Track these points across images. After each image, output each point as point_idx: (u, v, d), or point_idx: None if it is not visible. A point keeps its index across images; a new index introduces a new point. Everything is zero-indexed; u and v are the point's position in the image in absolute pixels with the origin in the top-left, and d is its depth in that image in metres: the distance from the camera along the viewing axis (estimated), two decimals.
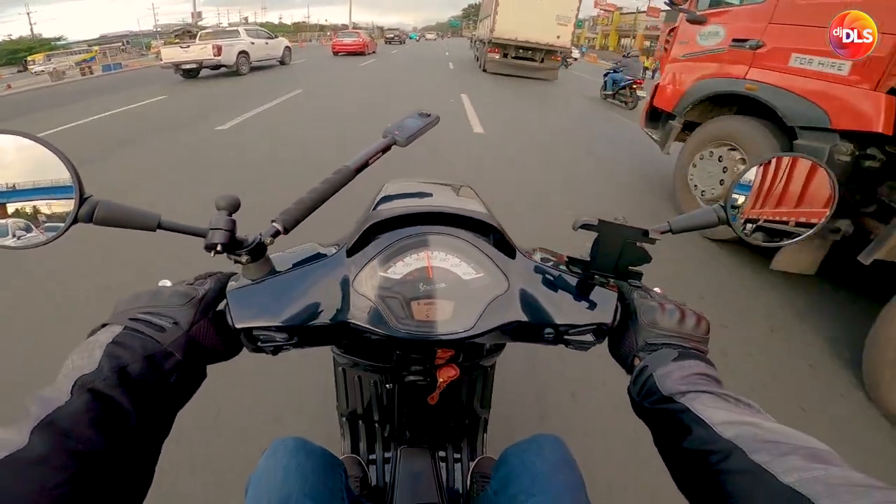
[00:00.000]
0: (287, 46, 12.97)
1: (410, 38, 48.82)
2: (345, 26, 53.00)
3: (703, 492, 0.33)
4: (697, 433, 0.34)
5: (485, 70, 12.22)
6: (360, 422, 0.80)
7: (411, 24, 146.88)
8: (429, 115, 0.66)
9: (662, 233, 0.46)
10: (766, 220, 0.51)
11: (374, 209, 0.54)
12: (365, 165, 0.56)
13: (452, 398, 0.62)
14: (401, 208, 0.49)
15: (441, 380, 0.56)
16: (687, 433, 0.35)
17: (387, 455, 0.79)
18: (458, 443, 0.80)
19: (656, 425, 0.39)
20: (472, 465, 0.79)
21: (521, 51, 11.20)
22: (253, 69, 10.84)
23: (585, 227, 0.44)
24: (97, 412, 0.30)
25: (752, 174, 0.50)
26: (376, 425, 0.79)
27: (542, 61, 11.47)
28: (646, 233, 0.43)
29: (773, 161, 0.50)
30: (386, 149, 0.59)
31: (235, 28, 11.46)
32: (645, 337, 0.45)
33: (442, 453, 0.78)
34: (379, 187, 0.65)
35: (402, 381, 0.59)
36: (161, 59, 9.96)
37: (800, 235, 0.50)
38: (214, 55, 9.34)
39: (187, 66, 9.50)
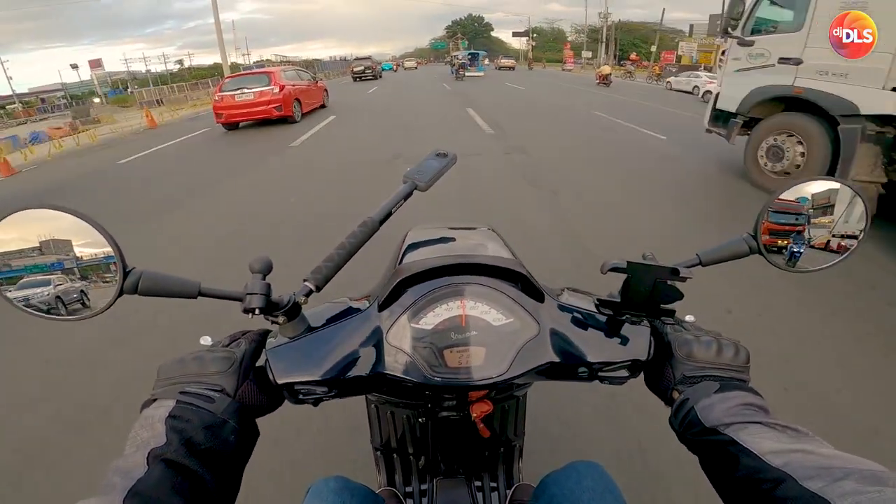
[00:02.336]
0: None
1: (384, 68, 44.58)
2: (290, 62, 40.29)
3: None
4: (745, 463, 0.36)
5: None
6: (395, 455, 0.83)
7: (389, 52, 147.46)
8: (446, 155, 0.70)
9: (691, 267, 0.48)
10: (797, 247, 0.51)
11: (401, 260, 0.60)
12: (388, 215, 0.58)
13: (487, 428, 0.64)
14: (428, 260, 0.51)
15: (475, 415, 0.57)
16: (734, 463, 0.37)
17: (423, 487, 0.82)
18: (493, 471, 0.83)
19: (702, 456, 0.42)
20: (510, 493, 0.80)
21: None
22: None
23: (614, 269, 0.45)
24: (175, 480, 0.35)
25: (779, 201, 0.51)
26: (411, 458, 0.81)
27: None
28: (676, 271, 0.43)
29: (800, 186, 0.50)
30: (408, 195, 0.62)
31: None
32: (682, 370, 0.46)
33: (478, 483, 0.80)
34: (402, 235, 0.70)
35: (435, 416, 0.61)
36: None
37: (834, 260, 0.51)
38: None
39: None
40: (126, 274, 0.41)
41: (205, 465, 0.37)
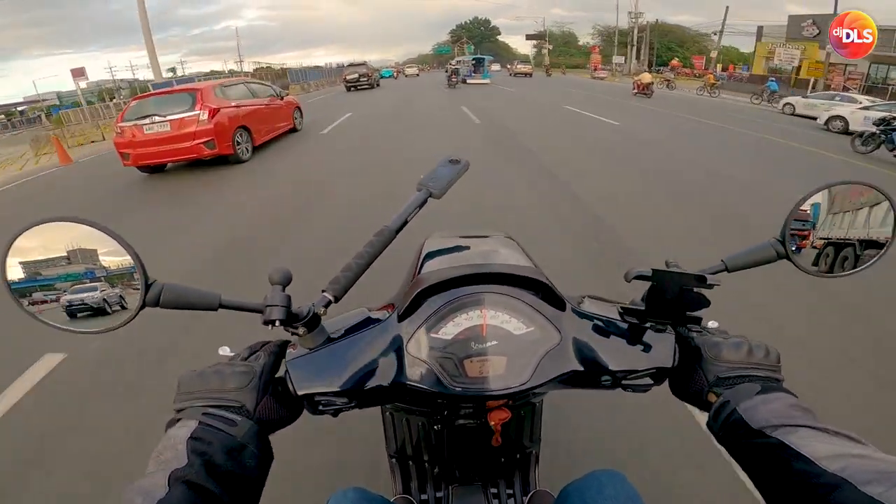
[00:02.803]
0: None
1: (383, 75, 41.17)
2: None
3: None
4: (798, 468, 0.35)
5: None
6: (410, 462, 0.83)
7: (393, 59, 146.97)
8: (458, 161, 0.73)
9: (717, 273, 0.49)
10: (826, 252, 0.52)
11: (420, 270, 0.64)
12: (404, 224, 0.61)
13: (502, 435, 0.63)
14: (448, 270, 0.52)
15: (493, 423, 0.57)
16: (786, 468, 0.36)
17: (438, 495, 0.81)
18: (510, 478, 0.82)
19: (747, 459, 0.41)
20: (526, 500, 0.79)
21: None
22: None
23: (639, 277, 0.45)
24: (194, 501, 0.36)
25: (807, 206, 0.52)
26: (426, 465, 0.80)
27: None
28: (703, 279, 0.43)
29: (829, 190, 0.51)
30: (423, 203, 0.64)
31: None
32: (715, 372, 0.47)
33: (494, 490, 0.80)
34: (420, 244, 0.75)
35: (452, 424, 0.63)
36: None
37: (864, 265, 0.52)
38: None
39: None
40: (148, 287, 0.42)
41: (224, 487, 0.38)
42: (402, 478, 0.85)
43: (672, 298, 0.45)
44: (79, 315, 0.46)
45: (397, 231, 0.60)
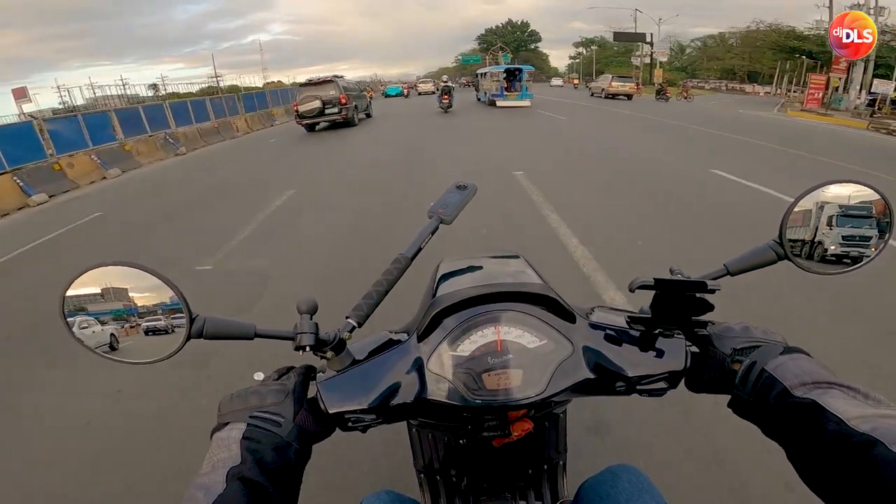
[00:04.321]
0: None
1: (389, 93, 36.49)
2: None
3: (839, 487, 0.36)
4: (831, 428, 0.37)
5: None
6: (438, 476, 0.85)
7: (414, 73, 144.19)
8: (466, 187, 0.80)
9: (717, 278, 0.53)
10: (824, 249, 0.55)
11: (436, 292, 0.70)
12: (419, 251, 0.69)
13: (528, 446, 0.70)
14: (462, 291, 0.57)
15: (515, 433, 0.61)
16: (818, 429, 0.38)
17: None
18: (538, 489, 0.84)
19: (778, 423, 0.43)
20: None
21: None
22: None
23: (643, 287, 0.48)
24: (249, 496, 0.40)
25: (802, 206, 0.54)
26: (453, 479, 0.83)
27: None
28: (704, 285, 0.47)
29: (823, 189, 0.54)
30: (434, 230, 0.72)
31: None
32: (731, 345, 0.51)
33: (523, 501, 0.82)
34: (434, 267, 0.81)
35: (476, 437, 0.66)
36: None
37: (863, 262, 0.55)
38: None
39: None
40: (192, 321, 0.48)
41: (272, 482, 0.43)
42: (430, 492, 0.88)
43: (676, 305, 0.49)
44: (132, 346, 0.52)
45: (412, 258, 0.68)
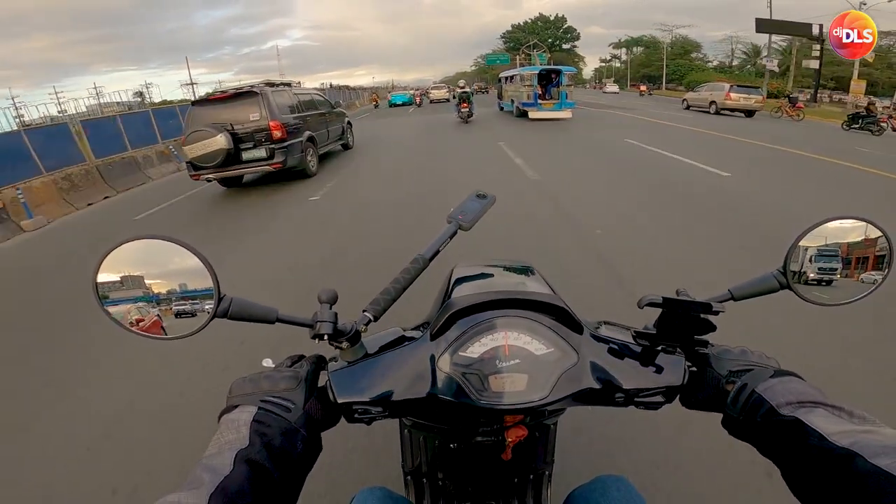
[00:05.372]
0: None
1: (395, 101, 31.85)
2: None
3: (826, 500, 0.39)
4: (813, 443, 0.40)
5: None
6: (425, 479, 0.90)
7: (430, 78, 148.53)
8: (486, 196, 0.82)
9: (722, 301, 0.55)
10: (825, 281, 0.60)
11: (450, 294, 0.74)
12: (436, 254, 0.72)
13: (517, 455, 0.71)
14: (477, 295, 0.59)
15: (510, 440, 0.65)
16: (801, 444, 0.41)
17: None
18: (522, 497, 0.88)
19: (766, 439, 0.46)
20: None
21: None
22: None
23: (651, 305, 0.52)
24: (254, 479, 0.42)
25: (807, 240, 0.59)
26: (440, 483, 0.88)
27: None
28: (709, 307, 0.51)
29: (827, 224, 0.59)
30: (453, 235, 0.74)
31: None
32: (727, 367, 0.55)
33: None
34: (449, 270, 0.86)
35: (469, 441, 0.69)
36: None
37: (862, 293, 0.59)
38: None
39: None
40: (220, 300, 0.51)
41: (278, 467, 0.45)
42: (416, 494, 0.91)
43: (681, 324, 0.53)
44: (155, 325, 0.54)
45: (430, 259, 0.70)
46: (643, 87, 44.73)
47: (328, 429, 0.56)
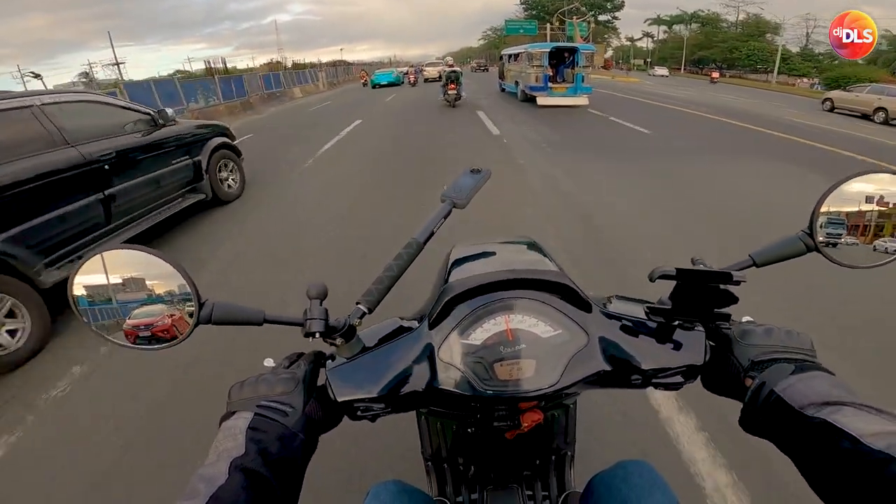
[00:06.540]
0: None
1: (378, 80, 27.97)
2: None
3: (852, 501, 0.38)
4: (845, 447, 0.38)
5: None
6: (445, 465, 0.90)
7: (434, 54, 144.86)
8: (479, 171, 0.80)
9: (743, 269, 0.53)
10: (855, 242, 0.55)
11: (448, 278, 0.70)
12: (431, 235, 0.68)
13: (537, 437, 0.72)
14: (475, 278, 0.57)
15: (525, 424, 0.62)
16: (832, 447, 0.39)
17: (473, 497, 0.87)
18: (545, 480, 0.88)
19: (790, 442, 0.44)
20: (560, 501, 0.85)
21: None
22: None
23: (663, 277, 0.49)
24: (250, 487, 0.42)
25: (834, 196, 0.54)
26: (461, 468, 0.88)
27: None
28: (729, 276, 0.46)
29: (854, 181, 0.54)
30: (447, 214, 0.72)
31: None
32: (749, 356, 0.51)
33: (529, 492, 0.86)
34: (447, 253, 0.82)
35: (485, 427, 0.67)
36: None
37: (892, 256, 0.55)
38: None
39: None
40: (201, 306, 0.50)
41: (275, 474, 0.45)
42: (437, 480, 0.91)
43: (699, 296, 0.49)
44: (140, 336, 0.52)
45: (424, 242, 0.67)
46: (715, 74, 39.89)
47: (331, 429, 0.57)
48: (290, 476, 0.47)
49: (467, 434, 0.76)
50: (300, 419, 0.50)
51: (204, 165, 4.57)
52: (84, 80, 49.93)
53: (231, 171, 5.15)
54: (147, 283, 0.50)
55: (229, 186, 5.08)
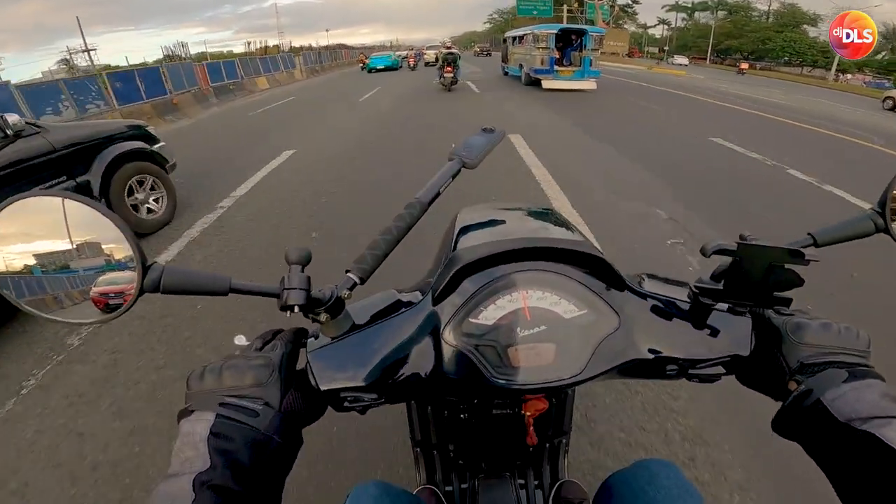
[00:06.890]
0: None
1: (373, 65, 27.74)
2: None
3: None
4: (889, 463, 0.36)
5: None
6: (435, 452, 0.86)
7: (438, 38, 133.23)
8: (493, 131, 0.74)
9: (806, 247, 0.49)
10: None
11: (455, 245, 0.64)
12: (437, 196, 0.61)
13: (534, 425, 0.65)
14: (488, 245, 0.51)
15: (529, 413, 0.60)
16: (873, 461, 0.37)
17: (463, 486, 0.84)
18: (538, 468, 0.85)
19: (828, 454, 0.42)
20: (553, 490, 0.84)
21: None
22: None
23: (721, 252, 0.44)
24: None
25: None
26: (451, 455, 0.84)
27: None
28: (800, 254, 0.41)
29: None
30: (456, 174, 0.65)
31: None
32: (798, 357, 0.46)
33: (521, 481, 0.83)
34: (452, 218, 0.75)
35: (482, 414, 0.66)
36: None
37: None
38: None
39: None
40: (146, 271, 0.40)
41: (248, 486, 0.39)
42: (426, 467, 0.88)
43: (759, 276, 0.44)
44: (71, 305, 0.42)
45: (429, 203, 0.60)
46: (745, 65, 38.99)
47: (313, 422, 0.49)
48: (266, 485, 0.41)
49: (459, 420, 0.71)
50: (275, 418, 0.43)
51: (95, 189, 3.15)
52: (64, 66, 49.32)
53: (152, 188, 3.72)
54: (78, 240, 0.39)
55: (150, 211, 3.70)
